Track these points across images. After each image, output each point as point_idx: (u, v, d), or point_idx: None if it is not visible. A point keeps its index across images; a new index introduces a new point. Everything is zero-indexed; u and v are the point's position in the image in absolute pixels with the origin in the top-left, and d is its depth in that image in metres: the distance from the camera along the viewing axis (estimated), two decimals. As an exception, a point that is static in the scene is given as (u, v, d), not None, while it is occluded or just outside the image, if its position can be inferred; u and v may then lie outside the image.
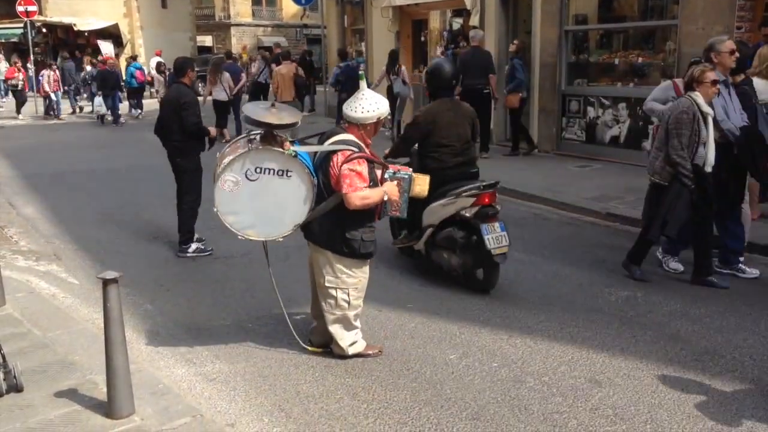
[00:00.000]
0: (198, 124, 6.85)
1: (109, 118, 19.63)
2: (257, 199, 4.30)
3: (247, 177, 4.28)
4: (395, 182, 4.45)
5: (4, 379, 3.94)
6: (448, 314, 5.37)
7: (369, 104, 4.35)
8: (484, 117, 12.32)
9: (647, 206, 6.14)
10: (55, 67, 22.26)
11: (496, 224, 5.65)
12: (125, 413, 3.70)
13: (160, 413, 3.77)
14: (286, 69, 13.85)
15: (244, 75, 17.07)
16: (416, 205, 5.33)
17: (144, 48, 30.72)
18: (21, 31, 26.95)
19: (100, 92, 19.76)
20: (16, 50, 29.05)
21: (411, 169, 4.63)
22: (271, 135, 4.38)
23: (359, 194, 4.19)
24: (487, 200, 5.73)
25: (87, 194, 10.10)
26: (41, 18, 28.63)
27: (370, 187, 4.26)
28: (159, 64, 21.80)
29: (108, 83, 19.45)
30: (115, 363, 3.64)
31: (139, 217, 8.61)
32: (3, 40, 29.83)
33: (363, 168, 4.23)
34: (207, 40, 42.39)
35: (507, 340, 4.88)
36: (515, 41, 12.34)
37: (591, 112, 11.69)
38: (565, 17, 11.90)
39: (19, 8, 24.94)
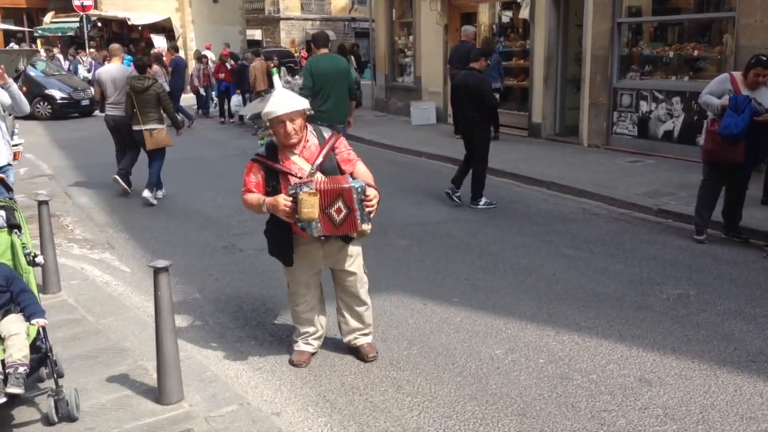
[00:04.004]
0: (493, 101, 8.56)
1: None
2: None
3: None
4: (288, 198, 3.94)
5: (55, 406, 3.54)
6: (494, 309, 5.33)
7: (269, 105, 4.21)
8: None
9: None
10: (206, 59, 19.82)
11: None
12: (174, 399, 3.77)
13: (207, 400, 3.83)
14: (258, 64, 15.64)
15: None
16: None
17: (195, 42, 31.17)
18: (77, 24, 27.67)
19: (238, 90, 17.84)
20: (72, 44, 29.80)
21: (312, 187, 3.89)
22: None
23: (243, 196, 4.22)
24: None
25: (138, 184, 10.29)
26: (96, 12, 29.30)
27: (267, 193, 4.10)
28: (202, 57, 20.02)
29: (245, 80, 17.07)
30: (165, 350, 3.72)
31: (188, 208, 8.75)
32: (60, 34, 30.63)
33: (249, 175, 4.17)
34: (257, 34, 42.83)
35: (554, 337, 4.82)
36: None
37: (644, 106, 11.43)
38: (618, 9, 11.67)
39: (76, 2, 25.77)
